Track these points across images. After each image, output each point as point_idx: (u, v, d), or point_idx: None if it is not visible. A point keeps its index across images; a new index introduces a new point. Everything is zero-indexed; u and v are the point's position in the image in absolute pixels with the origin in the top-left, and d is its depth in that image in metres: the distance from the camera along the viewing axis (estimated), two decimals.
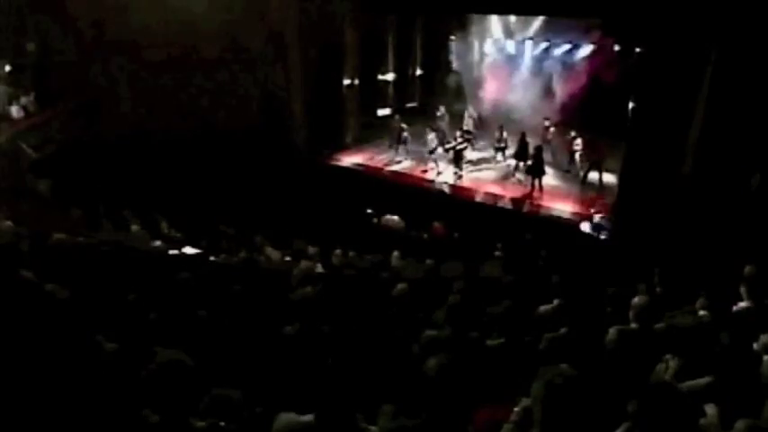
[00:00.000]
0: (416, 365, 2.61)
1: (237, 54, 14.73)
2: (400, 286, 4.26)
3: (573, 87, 16.19)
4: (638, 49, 15.01)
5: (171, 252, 7.95)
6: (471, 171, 14.53)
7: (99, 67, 14.65)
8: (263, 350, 3.03)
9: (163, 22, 13.63)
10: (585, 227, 12.05)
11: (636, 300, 3.34)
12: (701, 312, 3.85)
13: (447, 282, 5.14)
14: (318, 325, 3.40)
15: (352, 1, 14.92)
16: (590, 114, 14.80)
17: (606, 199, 12.71)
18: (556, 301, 4.06)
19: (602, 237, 11.93)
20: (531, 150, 13.21)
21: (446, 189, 13.86)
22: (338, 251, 10.13)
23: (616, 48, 15.67)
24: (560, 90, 16.61)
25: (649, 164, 10.92)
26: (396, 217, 12.83)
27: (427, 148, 14.42)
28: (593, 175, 13.57)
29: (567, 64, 16.70)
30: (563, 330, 3.15)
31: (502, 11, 15.79)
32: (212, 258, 8.18)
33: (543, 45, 17.01)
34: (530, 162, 13.08)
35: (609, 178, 13.27)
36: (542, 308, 4.08)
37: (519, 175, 13.87)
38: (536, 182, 12.94)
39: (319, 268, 8.06)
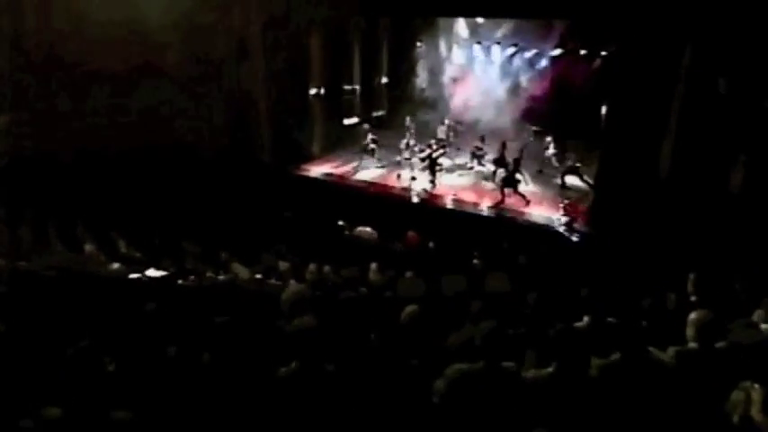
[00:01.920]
0: (443, 405, 2.14)
1: (199, 64, 14.05)
2: (409, 309, 3.60)
3: (545, 92, 16.12)
4: (603, 53, 15.26)
5: (131, 276, 7.14)
6: (446, 178, 14.18)
7: (47, 78, 13.70)
8: (253, 398, 2.44)
9: (120, 33, 12.80)
10: (558, 228, 11.87)
11: (694, 315, 2.94)
12: (764, 326, 3.42)
13: (454, 300, 4.65)
14: (320, 363, 2.79)
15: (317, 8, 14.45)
16: (565, 118, 14.69)
17: (583, 202, 12.59)
18: (586, 318, 3.64)
19: (574, 239, 11.76)
20: (509, 159, 13.00)
21: (420, 197, 13.47)
22: (312, 266, 9.57)
23: (582, 52, 15.68)
24: (533, 94, 16.50)
25: (625, 167, 10.81)
26: (368, 228, 12.33)
27: (398, 156, 14.06)
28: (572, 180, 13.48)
29: (537, 69, 16.62)
30: (615, 356, 2.72)
31: (469, 14, 15.55)
32: (181, 282, 7.39)
33: (512, 50, 16.88)
34: (505, 172, 12.82)
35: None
36: (576, 325, 3.63)
37: (491, 183, 13.60)
38: (509, 191, 12.70)
39: (302, 289, 7.45)
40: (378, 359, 2.79)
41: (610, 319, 3.37)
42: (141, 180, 12.56)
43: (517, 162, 12.56)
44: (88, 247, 9.23)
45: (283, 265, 10.00)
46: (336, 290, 7.16)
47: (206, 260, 10.30)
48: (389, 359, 2.78)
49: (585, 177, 13.43)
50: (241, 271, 9.82)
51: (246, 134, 14.85)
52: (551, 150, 13.98)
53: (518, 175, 12.52)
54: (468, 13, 15.22)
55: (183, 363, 2.88)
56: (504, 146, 13.52)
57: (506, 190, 12.67)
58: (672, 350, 2.81)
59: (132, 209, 11.61)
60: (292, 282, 8.04)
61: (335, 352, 2.77)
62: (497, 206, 12.71)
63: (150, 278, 6.88)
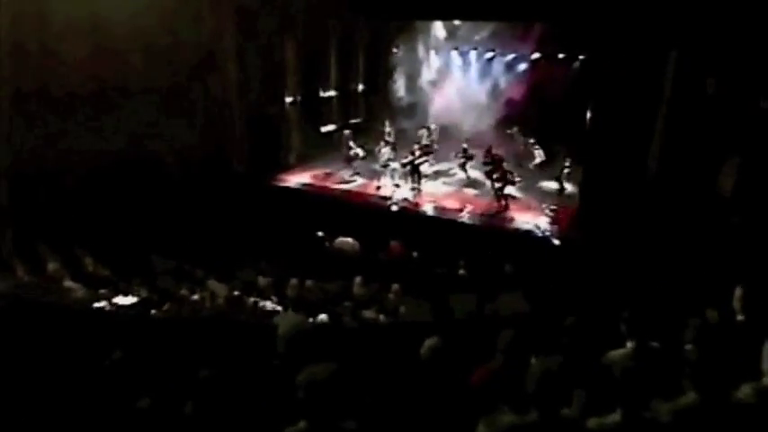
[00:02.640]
0: None
1: (169, 71, 13.44)
2: (430, 342, 2.97)
3: (526, 95, 15.95)
4: (581, 56, 15.18)
5: (95, 305, 6.18)
6: (429, 186, 13.84)
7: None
8: None
9: (86, 48, 12.06)
10: (536, 232, 11.68)
11: None
12: None
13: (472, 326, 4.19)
14: (337, 420, 2.21)
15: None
16: (548, 121, 14.51)
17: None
18: (630, 344, 3.12)
19: (563, 246, 11.50)
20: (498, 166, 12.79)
21: (402, 206, 13.08)
22: (294, 281, 9.07)
23: (561, 55, 15.57)
24: (513, 99, 16.32)
25: (611, 171, 10.60)
26: (349, 239, 11.88)
27: (379, 163, 13.69)
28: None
29: (516, 73, 16.45)
30: (690, 397, 2.30)
31: (447, 16, 15.25)
32: (154, 312, 6.59)
33: (490, 54, 16.69)
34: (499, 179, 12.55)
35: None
36: (612, 354, 3.12)
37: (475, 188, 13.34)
38: (500, 194, 12.43)
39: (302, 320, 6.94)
40: (405, 410, 2.32)
41: (654, 345, 2.97)
42: (110, 194, 11.90)
43: (499, 161, 12.27)
44: (51, 266, 8.59)
45: (263, 281, 9.48)
46: (339, 319, 6.55)
47: (180, 277, 9.74)
48: (417, 409, 2.30)
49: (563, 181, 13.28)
50: (218, 288, 9.27)
51: (220, 144, 14.28)
52: (538, 153, 13.82)
53: (510, 176, 12.22)
54: (447, 16, 14.92)
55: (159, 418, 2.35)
56: (490, 150, 13.23)
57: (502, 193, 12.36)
58: (748, 387, 2.43)
59: (100, 225, 10.95)
60: (290, 312, 7.46)
61: (353, 403, 2.22)
62: (499, 213, 12.38)
63: (119, 307, 5.97)
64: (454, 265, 10.93)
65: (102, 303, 5.96)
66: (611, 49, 10.01)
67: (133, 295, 6.84)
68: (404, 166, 13.26)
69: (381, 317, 8.36)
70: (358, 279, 9.15)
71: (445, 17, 15.18)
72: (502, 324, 3.19)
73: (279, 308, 8.43)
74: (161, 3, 12.26)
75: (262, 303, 8.53)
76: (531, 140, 13.79)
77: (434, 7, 12.92)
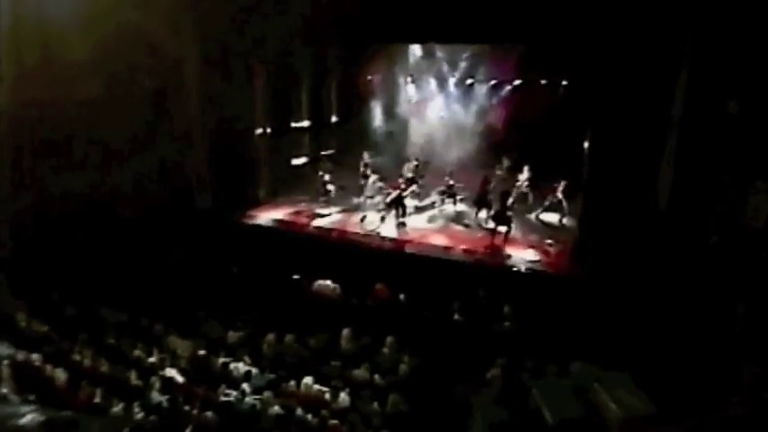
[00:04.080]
0: None
1: (125, 99, 12.17)
2: None
3: (511, 122, 15.24)
4: (565, 82, 14.63)
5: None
6: (414, 221, 12.80)
7: None
8: None
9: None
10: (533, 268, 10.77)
11: None
12: None
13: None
14: None
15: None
16: (537, 150, 13.72)
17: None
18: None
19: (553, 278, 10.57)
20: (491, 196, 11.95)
21: (386, 243, 11.95)
22: (270, 336, 7.79)
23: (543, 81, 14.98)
24: (499, 126, 15.59)
25: (616, 200, 9.76)
26: (329, 282, 10.64)
27: (359, 197, 12.61)
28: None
29: (500, 99, 15.77)
30: None
31: (424, 40, 14.37)
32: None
33: (470, 81, 15.97)
34: (493, 210, 11.59)
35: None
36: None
37: (482, 223, 12.37)
38: (498, 231, 11.42)
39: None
40: None
41: None
42: (57, 238, 10.45)
43: (506, 196, 11.30)
44: None
45: (234, 337, 8.16)
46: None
47: (134, 334, 8.32)
48: None
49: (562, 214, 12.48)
50: (180, 346, 7.92)
51: (183, 178, 12.97)
52: (525, 184, 12.98)
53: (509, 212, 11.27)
54: (423, 40, 14.02)
55: None
56: (486, 182, 12.30)
57: (499, 229, 11.37)
58: None
59: (40, 272, 9.49)
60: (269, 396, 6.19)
61: None
62: (489, 249, 11.37)
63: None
64: (448, 309, 9.81)
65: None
66: (615, 68, 9.24)
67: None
68: (389, 204, 12.19)
69: (376, 377, 7.14)
70: (345, 332, 7.91)
71: (423, 40, 14.29)
72: None
73: (254, 370, 7.13)
74: (121, 32, 11.11)
75: (233, 365, 7.22)
76: (523, 171, 12.95)
77: (411, 31, 12.03)
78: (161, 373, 6.93)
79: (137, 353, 7.57)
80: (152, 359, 7.38)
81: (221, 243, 11.86)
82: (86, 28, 10.62)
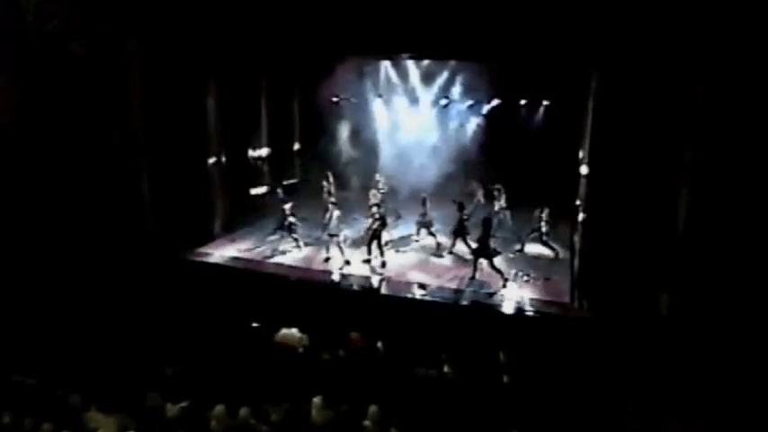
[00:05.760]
0: None
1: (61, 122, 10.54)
2: None
3: (489, 147, 14.24)
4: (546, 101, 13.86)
5: None
6: (391, 256, 11.42)
7: None
8: None
9: None
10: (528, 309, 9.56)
11: None
12: None
13: None
14: None
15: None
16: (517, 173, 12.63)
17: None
18: None
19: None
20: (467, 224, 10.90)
21: (359, 283, 10.46)
22: (220, 408, 6.09)
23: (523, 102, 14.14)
24: (473, 150, 14.52)
25: (624, 228, 8.61)
26: (295, 330, 9.02)
27: (328, 230, 11.13)
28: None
29: (473, 121, 14.75)
30: None
31: (382, 52, 13.06)
32: None
33: (444, 102, 14.90)
34: (476, 242, 10.36)
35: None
36: None
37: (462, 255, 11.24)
38: (481, 263, 10.16)
39: None
40: None
41: None
42: None
43: (488, 225, 10.10)
44: None
45: (173, 410, 6.43)
46: None
47: (44, 407, 6.50)
48: None
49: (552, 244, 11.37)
50: (101, 423, 6.16)
51: (123, 211, 11.24)
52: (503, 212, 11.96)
53: (492, 243, 10.05)
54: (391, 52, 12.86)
55: None
56: (461, 209, 11.08)
57: (480, 262, 10.19)
58: None
59: None
60: None
61: None
62: (473, 286, 10.13)
63: None
64: (436, 361, 8.34)
65: None
66: (621, 82, 8.22)
67: None
68: (370, 240, 10.80)
69: None
70: (317, 400, 6.30)
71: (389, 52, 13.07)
72: None
73: None
74: None
75: None
76: (502, 198, 11.93)
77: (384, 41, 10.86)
78: None
79: None
80: None
81: (165, 285, 10.14)
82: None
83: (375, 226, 10.79)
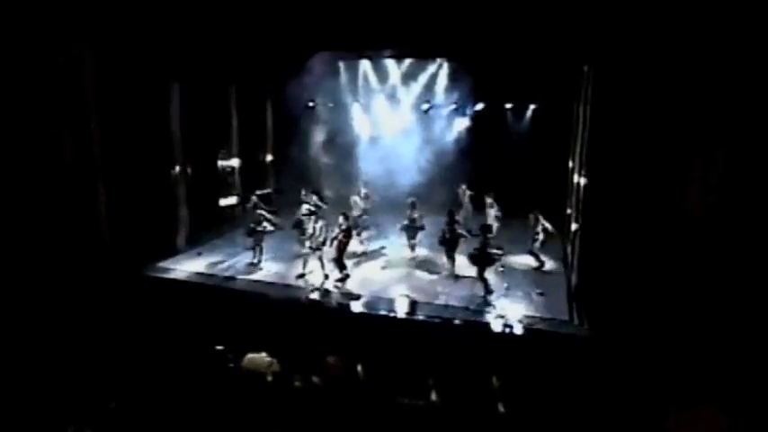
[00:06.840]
0: None
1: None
2: None
3: (474, 151, 13.74)
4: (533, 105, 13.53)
5: None
6: (368, 269, 10.73)
7: None
8: None
9: None
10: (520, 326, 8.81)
11: None
12: None
13: None
14: None
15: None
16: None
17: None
18: None
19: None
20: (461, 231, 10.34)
21: (337, 300, 9.63)
22: None
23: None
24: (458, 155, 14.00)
25: (627, 235, 7.98)
26: (264, 354, 8.15)
27: (307, 243, 10.28)
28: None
29: (461, 125, 14.24)
30: None
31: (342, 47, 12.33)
32: None
33: (426, 106, 14.36)
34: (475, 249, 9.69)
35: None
36: None
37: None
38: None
39: None
40: None
41: None
42: None
43: (487, 230, 9.42)
44: None
45: None
46: None
47: None
48: None
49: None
50: None
51: (79, 223, 10.25)
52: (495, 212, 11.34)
53: (493, 250, 9.34)
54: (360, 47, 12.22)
55: None
56: (451, 216, 10.39)
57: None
58: None
59: None
60: None
61: None
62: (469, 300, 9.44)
63: None
64: (422, 389, 7.53)
65: None
66: (620, 83, 7.66)
67: None
68: (339, 254, 10.00)
69: None
70: None
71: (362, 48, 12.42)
72: None
73: None
74: None
75: None
76: (489, 202, 11.35)
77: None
78: None
79: None
80: None
81: (120, 302, 9.19)
82: None
83: (340, 237, 9.99)
